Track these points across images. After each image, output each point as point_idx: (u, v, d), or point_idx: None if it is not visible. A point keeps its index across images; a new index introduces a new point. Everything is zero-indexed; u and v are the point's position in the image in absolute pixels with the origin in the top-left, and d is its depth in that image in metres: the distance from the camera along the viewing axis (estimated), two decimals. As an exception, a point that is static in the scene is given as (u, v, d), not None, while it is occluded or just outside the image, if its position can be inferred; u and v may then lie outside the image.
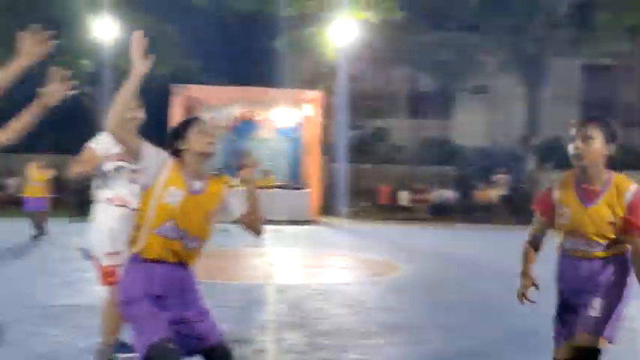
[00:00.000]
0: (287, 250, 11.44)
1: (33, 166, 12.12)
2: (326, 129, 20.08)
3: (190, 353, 2.95)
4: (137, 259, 2.92)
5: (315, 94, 18.22)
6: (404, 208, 20.37)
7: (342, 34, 18.55)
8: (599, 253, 3.11)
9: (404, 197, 20.65)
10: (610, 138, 3.06)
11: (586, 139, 3.04)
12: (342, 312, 6.29)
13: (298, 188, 17.86)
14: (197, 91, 18.09)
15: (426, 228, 17.17)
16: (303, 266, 10.01)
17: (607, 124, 3.10)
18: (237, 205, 3.10)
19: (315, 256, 11.16)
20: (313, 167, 17.98)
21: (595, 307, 3.06)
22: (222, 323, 5.49)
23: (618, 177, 3.10)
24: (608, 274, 3.11)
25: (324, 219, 17.54)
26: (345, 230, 15.97)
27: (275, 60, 21.96)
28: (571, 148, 3.07)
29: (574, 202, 3.12)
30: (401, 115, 26.91)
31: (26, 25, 2.86)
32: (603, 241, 3.09)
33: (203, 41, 22.81)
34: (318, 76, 21.41)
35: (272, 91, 18.49)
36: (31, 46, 2.93)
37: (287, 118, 18.49)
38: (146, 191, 2.95)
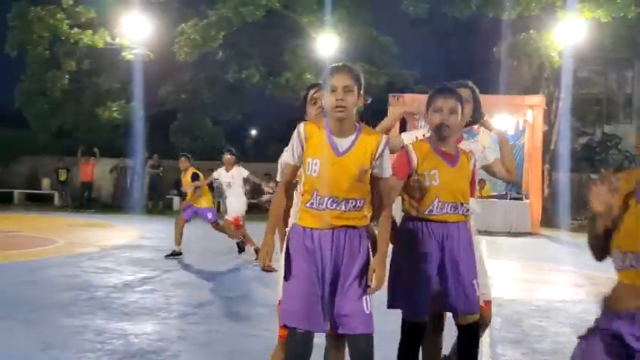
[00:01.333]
0: (505, 262, 11.01)
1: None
2: (549, 136, 19.03)
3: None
4: None
5: (537, 100, 17.35)
6: (638, 222, 18.55)
7: (567, 35, 17.46)
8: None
9: (638, 210, 18.80)
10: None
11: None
12: (564, 331, 5.88)
13: (518, 198, 17.14)
14: (412, 99, 18.18)
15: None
16: (523, 280, 9.55)
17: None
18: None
19: (536, 270, 10.59)
20: (534, 176, 17.11)
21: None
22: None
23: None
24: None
25: (545, 231, 16.61)
26: (569, 244, 14.95)
27: (495, 66, 21.37)
28: None
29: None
30: (635, 120, 24.59)
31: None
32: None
33: (421, 50, 22.97)
34: (540, 81, 20.41)
35: (491, 98, 17.93)
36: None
37: (507, 125, 17.79)
38: None
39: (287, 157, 2.97)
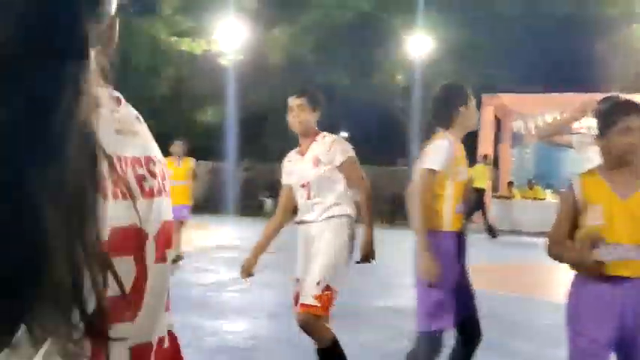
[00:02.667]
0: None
1: None
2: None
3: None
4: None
5: (642, 98, 16.46)
6: None
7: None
8: None
9: None
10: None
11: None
12: None
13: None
14: (508, 99, 17.71)
15: None
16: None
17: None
18: None
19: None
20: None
21: None
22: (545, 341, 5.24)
23: None
24: None
25: None
26: None
27: (596, 63, 20.44)
28: None
29: None
30: None
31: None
32: None
33: (516, 49, 22.27)
34: (644, 78, 19.35)
35: (589, 97, 17.18)
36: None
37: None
38: None
39: None
